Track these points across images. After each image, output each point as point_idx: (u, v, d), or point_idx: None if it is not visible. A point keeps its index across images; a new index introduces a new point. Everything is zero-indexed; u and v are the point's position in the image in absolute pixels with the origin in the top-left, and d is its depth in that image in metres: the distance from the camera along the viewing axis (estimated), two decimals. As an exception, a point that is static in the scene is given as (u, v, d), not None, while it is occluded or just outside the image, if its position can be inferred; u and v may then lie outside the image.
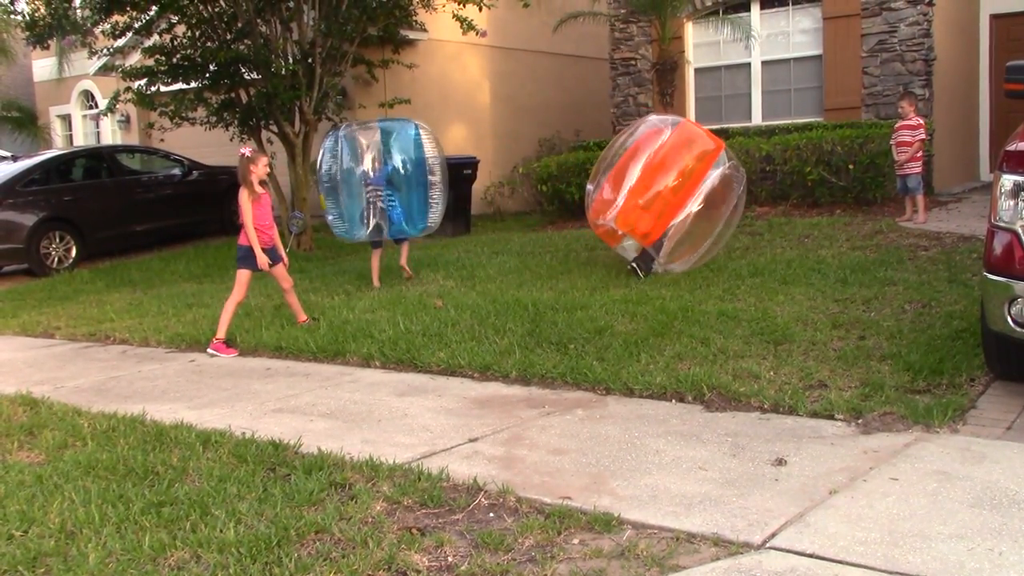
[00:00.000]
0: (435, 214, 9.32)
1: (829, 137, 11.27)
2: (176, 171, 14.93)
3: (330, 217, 9.27)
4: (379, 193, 8.95)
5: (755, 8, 13.14)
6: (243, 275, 7.37)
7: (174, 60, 13.25)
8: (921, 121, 10.16)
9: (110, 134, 21.47)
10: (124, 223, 13.79)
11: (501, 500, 3.75)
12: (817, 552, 3.10)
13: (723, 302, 6.99)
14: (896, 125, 10.29)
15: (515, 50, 17.21)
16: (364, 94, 15.08)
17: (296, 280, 9.32)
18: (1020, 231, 4.49)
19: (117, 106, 13.90)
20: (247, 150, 7.48)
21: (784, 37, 13.10)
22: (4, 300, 10.81)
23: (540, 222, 13.90)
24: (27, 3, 13.85)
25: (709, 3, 13.25)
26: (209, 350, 7.13)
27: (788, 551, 3.14)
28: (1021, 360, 4.79)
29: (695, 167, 8.12)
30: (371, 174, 8.94)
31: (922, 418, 4.39)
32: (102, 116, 18.36)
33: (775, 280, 7.62)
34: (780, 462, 3.99)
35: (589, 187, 8.75)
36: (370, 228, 9.02)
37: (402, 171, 9.05)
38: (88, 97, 22.45)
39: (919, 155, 10.03)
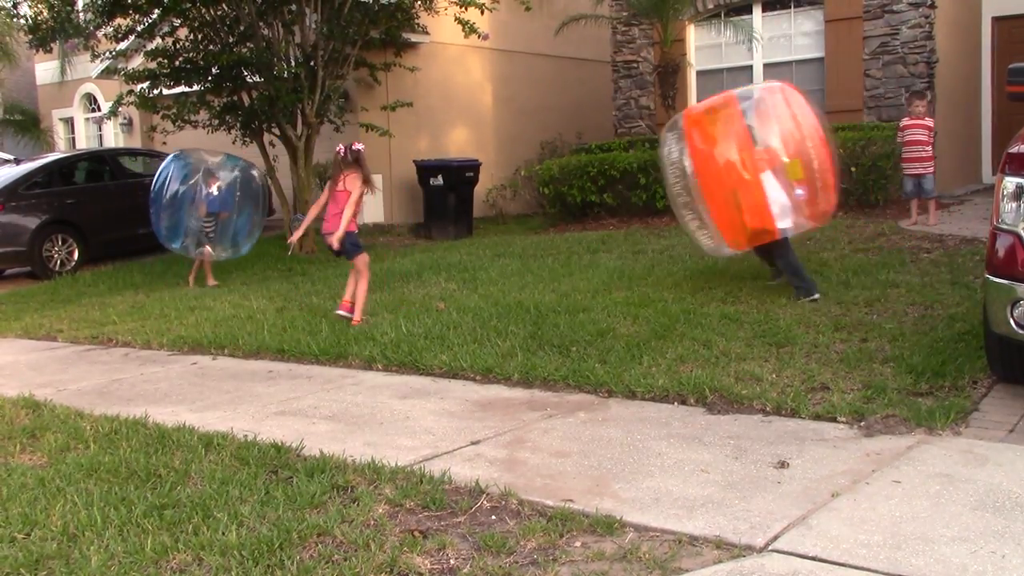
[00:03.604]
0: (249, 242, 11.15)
1: (831, 139, 11.26)
2: (178, 173, 14.93)
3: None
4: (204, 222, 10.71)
5: (757, 11, 13.15)
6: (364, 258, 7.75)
7: (176, 63, 13.26)
8: (931, 122, 10.02)
9: (112, 137, 21.49)
10: (127, 226, 13.79)
11: (503, 503, 3.75)
12: (819, 555, 3.10)
13: (725, 304, 6.98)
14: (903, 124, 10.10)
15: (517, 53, 17.23)
16: (366, 97, 15.10)
17: (298, 283, 9.32)
18: (1022, 233, 4.49)
19: (120, 109, 13.91)
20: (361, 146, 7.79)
21: (786, 40, 13.10)
22: (7, 303, 10.82)
23: (542, 225, 13.91)
24: (30, 6, 13.86)
25: (711, 6, 13.26)
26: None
27: (790, 554, 3.13)
28: (1023, 362, 4.79)
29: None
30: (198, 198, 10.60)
31: (925, 421, 4.38)
32: (105, 119, 18.42)
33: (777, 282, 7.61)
34: (782, 465, 3.99)
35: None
36: (183, 243, 10.79)
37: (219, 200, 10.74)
38: (91, 100, 22.47)
39: (932, 154, 9.92)
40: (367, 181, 7.66)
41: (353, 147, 7.70)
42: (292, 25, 12.98)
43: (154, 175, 14.85)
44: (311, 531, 3.49)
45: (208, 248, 10.70)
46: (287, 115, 12.90)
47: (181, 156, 11.06)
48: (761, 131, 6.91)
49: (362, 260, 7.68)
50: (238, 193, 10.89)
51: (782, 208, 6.80)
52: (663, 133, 7.67)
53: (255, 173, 11.26)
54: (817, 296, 6.99)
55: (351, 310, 7.59)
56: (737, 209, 6.86)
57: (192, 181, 10.66)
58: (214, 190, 10.71)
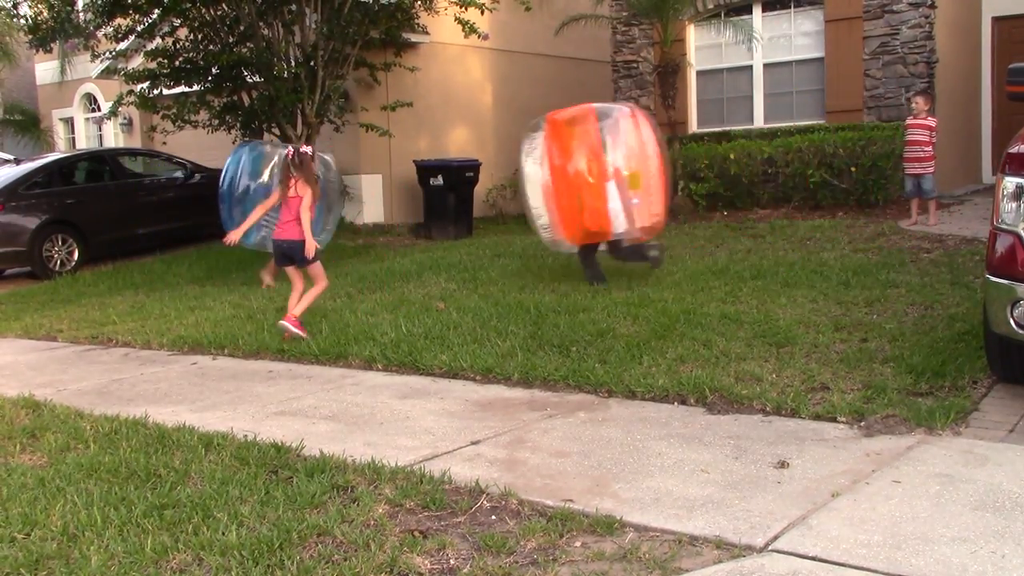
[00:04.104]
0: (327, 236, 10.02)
1: (831, 139, 11.28)
2: (178, 174, 14.94)
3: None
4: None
5: (757, 11, 13.15)
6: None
7: (176, 63, 13.27)
8: (934, 121, 10.01)
9: (112, 137, 21.49)
10: (127, 226, 13.80)
11: (503, 503, 3.75)
12: (819, 555, 3.10)
13: (725, 304, 6.99)
14: (908, 123, 10.10)
15: (517, 53, 17.23)
16: (366, 97, 15.09)
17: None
18: (1023, 233, 4.49)
19: (120, 109, 13.92)
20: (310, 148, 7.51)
21: (786, 40, 13.10)
22: (7, 303, 10.82)
23: (542, 225, 13.89)
24: (30, 6, 13.86)
25: (711, 6, 13.26)
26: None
27: (790, 554, 3.13)
28: (1023, 362, 4.79)
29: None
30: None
31: (925, 421, 4.38)
32: (105, 119, 18.42)
33: (777, 282, 7.62)
34: (782, 465, 3.99)
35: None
36: (257, 238, 9.46)
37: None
38: (91, 100, 22.48)
39: (933, 154, 9.93)
40: (313, 187, 7.29)
41: (300, 150, 7.41)
42: (292, 25, 12.99)
43: (154, 175, 15.05)
44: (311, 531, 3.49)
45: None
46: (287, 115, 12.90)
47: (251, 147, 10.39)
48: (611, 145, 7.94)
49: (317, 269, 7.37)
50: (323, 182, 9.99)
51: (618, 214, 7.87)
52: (526, 131, 8.46)
53: (329, 160, 10.41)
54: (661, 261, 8.38)
55: (299, 324, 7.13)
56: (579, 211, 7.85)
57: (267, 171, 9.87)
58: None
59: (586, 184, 7.80)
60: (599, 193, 7.78)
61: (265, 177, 9.78)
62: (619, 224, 7.86)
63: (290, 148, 7.45)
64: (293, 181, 7.28)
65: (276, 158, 9.88)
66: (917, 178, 9.92)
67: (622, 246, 8.33)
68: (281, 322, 7.22)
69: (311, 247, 7.21)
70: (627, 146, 7.96)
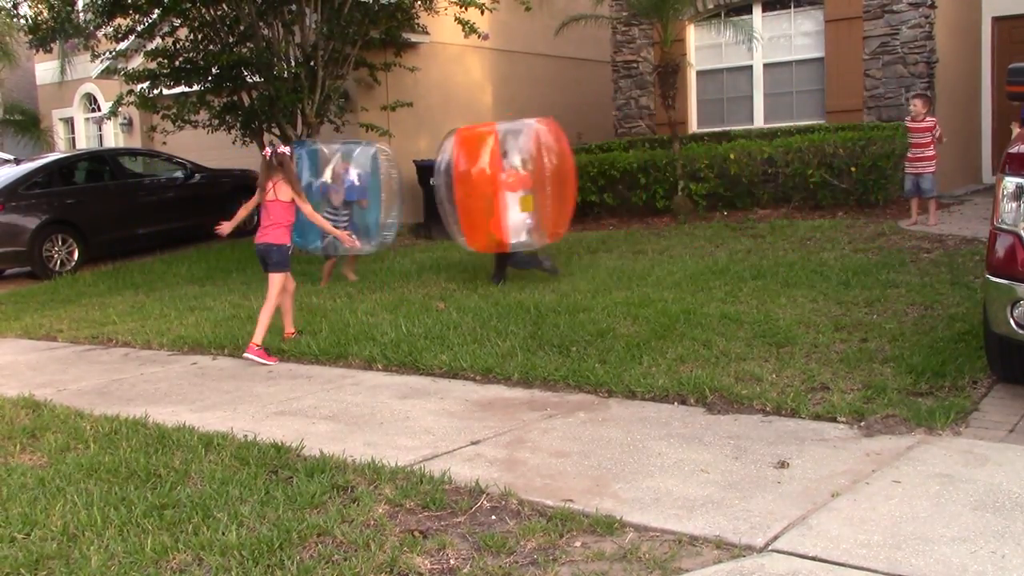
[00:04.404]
0: (389, 232, 10.09)
1: (831, 139, 11.27)
2: (178, 174, 14.95)
3: None
4: (341, 213, 9.55)
5: (757, 11, 13.15)
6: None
7: (176, 63, 13.26)
8: (934, 121, 10.02)
9: (112, 137, 21.49)
10: (127, 226, 13.81)
11: (503, 503, 3.75)
12: (819, 555, 3.10)
13: (725, 304, 6.99)
14: (909, 126, 10.12)
15: (517, 53, 17.23)
16: (366, 97, 15.09)
17: (299, 283, 9.30)
18: (1022, 233, 4.49)
19: (120, 109, 13.92)
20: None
21: (786, 40, 13.10)
22: (6, 303, 10.82)
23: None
24: (30, 6, 13.86)
25: (711, 6, 13.26)
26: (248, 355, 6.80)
27: (790, 554, 3.13)
28: (1023, 362, 4.79)
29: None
30: (333, 191, 9.50)
31: (924, 421, 4.38)
32: (105, 119, 18.42)
33: (777, 282, 7.62)
34: (782, 465, 3.99)
35: None
36: (325, 242, 9.37)
37: (359, 189, 9.65)
38: (91, 100, 22.47)
39: (934, 154, 9.96)
40: (294, 188, 7.03)
41: (279, 150, 7.06)
42: (292, 25, 12.98)
43: (154, 175, 15.04)
44: (311, 531, 3.49)
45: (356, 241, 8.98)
46: (287, 115, 12.90)
47: (307, 144, 10.01)
48: (512, 161, 8.49)
49: (281, 279, 7.03)
50: (381, 177, 9.79)
51: (515, 227, 8.44)
52: (443, 141, 8.97)
53: (385, 156, 10.12)
54: (557, 271, 8.87)
55: (264, 353, 6.78)
56: (485, 218, 8.42)
57: (329, 169, 9.51)
58: (354, 177, 9.51)
59: (489, 195, 8.37)
60: (498, 205, 8.35)
61: (327, 176, 9.53)
62: (516, 237, 8.43)
63: (267, 149, 7.15)
64: (271, 183, 6.96)
65: (335, 155, 9.65)
66: (917, 177, 9.94)
67: (518, 256, 8.85)
68: (245, 354, 6.80)
69: (349, 240, 7.51)
70: (525, 161, 8.49)
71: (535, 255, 8.96)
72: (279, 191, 6.98)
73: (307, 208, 7.18)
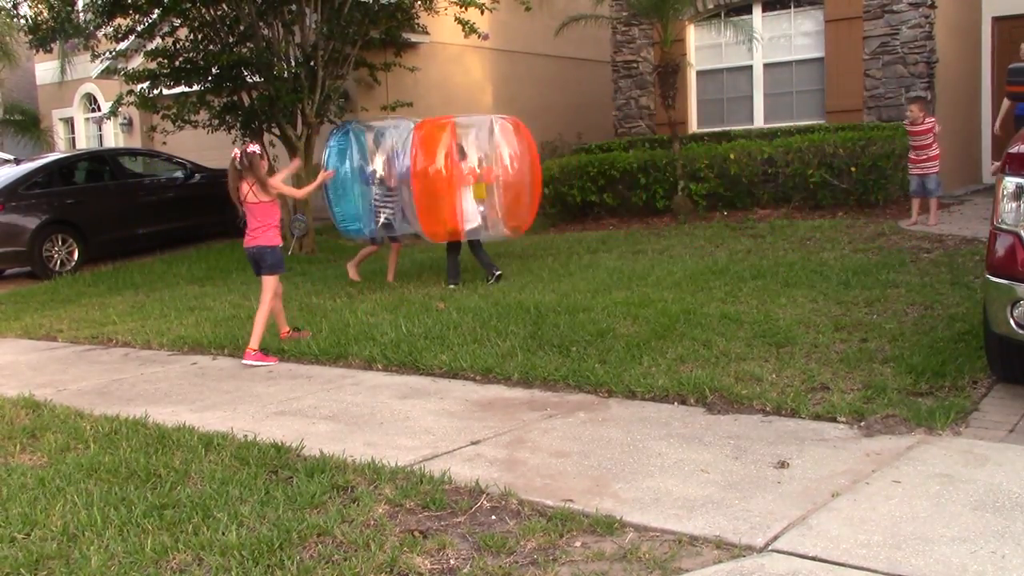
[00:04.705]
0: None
1: (831, 139, 11.27)
2: (178, 174, 14.95)
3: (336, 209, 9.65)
4: (394, 195, 9.27)
5: (757, 11, 13.15)
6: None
7: (176, 63, 13.26)
8: (932, 122, 10.03)
9: (112, 137, 21.50)
10: (127, 226, 13.81)
11: (503, 503, 3.75)
12: (819, 555, 3.10)
13: (725, 304, 6.99)
14: (909, 130, 10.12)
15: (517, 53, 17.23)
16: (366, 97, 15.10)
17: (298, 283, 9.31)
18: (1022, 233, 4.49)
19: (120, 109, 13.91)
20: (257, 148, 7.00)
21: (786, 40, 13.10)
22: (7, 303, 10.82)
23: (542, 224, 13.87)
24: (30, 6, 13.86)
25: (711, 6, 13.26)
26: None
27: (790, 554, 3.13)
28: (1023, 362, 4.79)
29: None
30: (380, 176, 9.26)
31: (924, 421, 4.38)
32: (105, 119, 18.43)
33: (777, 282, 7.62)
34: (782, 465, 3.99)
35: None
36: (378, 225, 9.35)
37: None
38: (91, 100, 22.48)
39: (938, 154, 9.97)
40: (271, 185, 6.85)
41: (247, 150, 6.85)
42: (292, 25, 12.98)
43: (154, 175, 15.04)
44: (311, 531, 3.49)
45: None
46: (287, 115, 12.90)
47: (351, 125, 9.70)
48: (468, 154, 8.75)
49: (275, 282, 6.98)
50: None
51: (470, 215, 8.71)
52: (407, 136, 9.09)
53: None
54: (499, 275, 8.91)
55: (262, 356, 6.77)
56: (440, 209, 8.66)
57: (380, 152, 9.24)
58: (406, 158, 9.01)
59: (445, 186, 8.62)
60: (455, 195, 8.62)
61: (378, 164, 9.30)
62: (470, 225, 8.71)
63: (237, 150, 6.93)
64: (247, 186, 6.82)
65: (386, 133, 9.36)
66: (923, 177, 9.99)
67: (480, 250, 9.11)
68: (243, 361, 6.76)
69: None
70: (481, 154, 8.78)
71: (491, 262, 9.06)
72: (258, 192, 6.85)
73: (300, 193, 7.52)
